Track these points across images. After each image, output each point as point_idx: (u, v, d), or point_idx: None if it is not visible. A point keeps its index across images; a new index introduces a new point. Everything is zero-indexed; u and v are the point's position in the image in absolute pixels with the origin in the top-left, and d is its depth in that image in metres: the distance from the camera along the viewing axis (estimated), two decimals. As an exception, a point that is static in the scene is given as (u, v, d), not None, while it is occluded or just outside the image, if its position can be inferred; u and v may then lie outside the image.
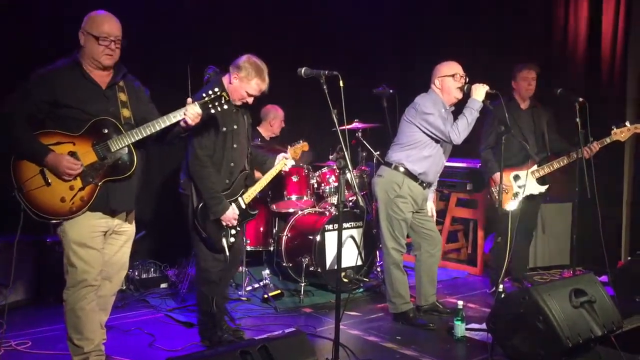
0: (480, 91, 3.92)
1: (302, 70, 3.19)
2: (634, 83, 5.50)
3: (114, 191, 3.00)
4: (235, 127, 3.49)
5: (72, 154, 2.89)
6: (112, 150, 2.95)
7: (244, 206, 3.60)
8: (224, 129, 3.44)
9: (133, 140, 2.97)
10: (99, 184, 2.95)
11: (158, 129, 2.99)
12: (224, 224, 3.50)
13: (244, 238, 4.52)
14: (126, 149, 2.98)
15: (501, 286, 3.74)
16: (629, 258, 4.79)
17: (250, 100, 3.51)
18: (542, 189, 4.74)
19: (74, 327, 3.05)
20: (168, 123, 3.00)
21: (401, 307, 4.12)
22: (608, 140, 4.53)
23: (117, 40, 2.96)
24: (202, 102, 3.07)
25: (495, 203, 4.56)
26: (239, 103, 3.52)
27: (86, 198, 2.93)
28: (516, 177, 4.69)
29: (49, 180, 2.88)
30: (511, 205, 4.58)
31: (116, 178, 2.98)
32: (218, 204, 3.45)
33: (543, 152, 4.78)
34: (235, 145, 3.50)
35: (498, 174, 4.51)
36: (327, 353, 3.36)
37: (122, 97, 3.05)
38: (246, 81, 3.42)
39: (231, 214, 3.49)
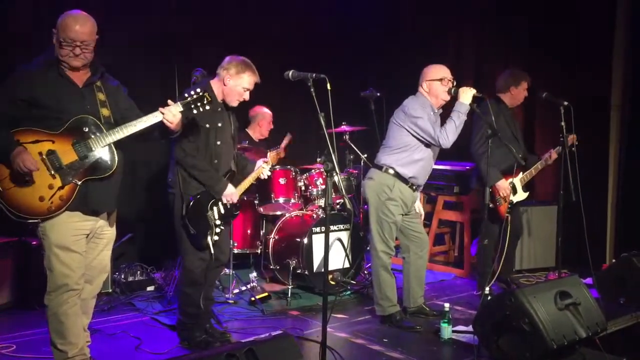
0: (467, 94, 3.93)
1: (290, 73, 3.19)
2: (617, 90, 5.56)
3: (94, 191, 2.96)
4: (219, 124, 3.53)
5: (52, 152, 2.84)
6: (93, 149, 2.91)
7: (229, 206, 3.62)
8: (207, 125, 3.47)
9: (114, 140, 2.93)
10: (79, 183, 2.90)
11: (140, 128, 2.95)
12: (224, 200, 3.55)
13: (232, 240, 4.51)
14: (107, 148, 2.94)
15: (487, 289, 3.75)
16: (613, 260, 4.81)
17: (247, 96, 3.58)
18: (526, 195, 4.79)
19: (57, 332, 3.01)
20: (149, 123, 2.97)
21: (388, 309, 4.13)
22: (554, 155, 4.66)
23: (83, 45, 2.85)
24: (185, 102, 3.05)
25: (498, 211, 4.57)
26: (236, 104, 3.59)
27: (65, 197, 2.88)
28: (511, 184, 4.71)
29: (28, 179, 2.81)
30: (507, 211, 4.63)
31: (97, 177, 2.95)
32: (217, 182, 3.53)
33: (524, 154, 4.78)
34: (219, 142, 3.52)
35: (501, 181, 4.53)
36: (314, 356, 3.36)
37: (101, 96, 3.01)
38: (239, 77, 3.51)
39: (232, 190, 3.58)
